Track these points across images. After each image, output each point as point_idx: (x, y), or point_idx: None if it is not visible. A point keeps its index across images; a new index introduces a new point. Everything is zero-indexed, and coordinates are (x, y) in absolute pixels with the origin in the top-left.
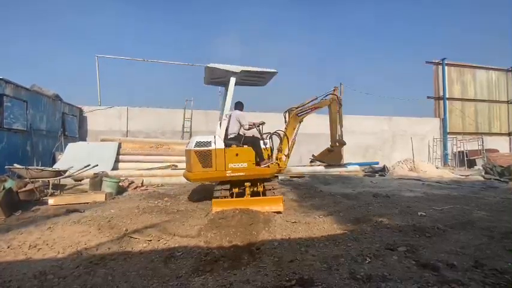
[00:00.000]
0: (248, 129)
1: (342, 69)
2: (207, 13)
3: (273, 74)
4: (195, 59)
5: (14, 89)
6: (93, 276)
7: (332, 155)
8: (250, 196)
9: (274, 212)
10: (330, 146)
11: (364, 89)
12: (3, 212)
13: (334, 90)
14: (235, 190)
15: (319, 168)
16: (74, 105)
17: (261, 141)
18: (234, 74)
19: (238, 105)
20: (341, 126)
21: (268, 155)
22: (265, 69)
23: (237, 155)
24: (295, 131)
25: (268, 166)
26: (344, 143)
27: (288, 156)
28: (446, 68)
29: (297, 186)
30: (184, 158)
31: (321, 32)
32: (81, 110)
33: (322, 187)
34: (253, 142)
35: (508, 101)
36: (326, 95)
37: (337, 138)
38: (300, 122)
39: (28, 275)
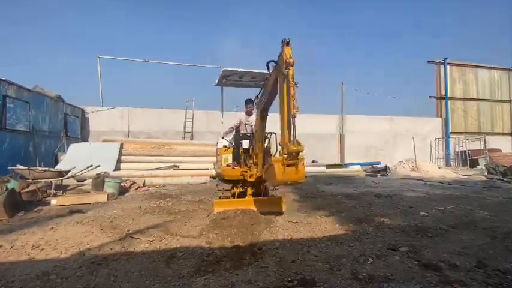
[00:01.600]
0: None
1: (343, 68)
2: (208, 13)
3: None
4: (196, 60)
5: (16, 90)
6: (96, 277)
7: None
8: (252, 197)
9: (276, 212)
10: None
11: (366, 88)
12: (6, 213)
13: (282, 47)
14: (237, 190)
15: (321, 168)
16: (76, 106)
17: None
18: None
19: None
20: (289, 113)
21: (244, 157)
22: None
23: (218, 155)
24: (260, 129)
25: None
26: (294, 150)
27: (255, 163)
28: (448, 67)
29: (299, 186)
30: (185, 159)
31: (322, 30)
32: (83, 111)
33: (323, 187)
34: (236, 143)
35: (510, 101)
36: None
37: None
38: (262, 117)
39: (31, 275)
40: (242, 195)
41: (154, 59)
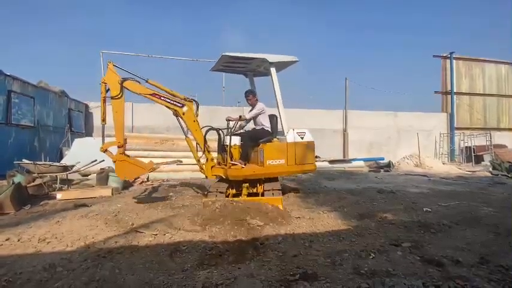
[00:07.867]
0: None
1: (347, 63)
2: (212, 7)
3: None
4: (199, 55)
5: (21, 85)
6: (101, 269)
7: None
8: (247, 197)
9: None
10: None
11: (370, 83)
12: (12, 206)
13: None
14: (233, 192)
15: (324, 163)
16: (80, 101)
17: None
18: None
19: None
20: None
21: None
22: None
23: None
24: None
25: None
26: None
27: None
28: (454, 61)
29: (301, 181)
30: (188, 154)
31: (325, 25)
32: (87, 106)
33: (326, 183)
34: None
35: None
36: None
37: None
38: (177, 116)
39: (38, 267)
40: (236, 196)
41: (157, 54)
